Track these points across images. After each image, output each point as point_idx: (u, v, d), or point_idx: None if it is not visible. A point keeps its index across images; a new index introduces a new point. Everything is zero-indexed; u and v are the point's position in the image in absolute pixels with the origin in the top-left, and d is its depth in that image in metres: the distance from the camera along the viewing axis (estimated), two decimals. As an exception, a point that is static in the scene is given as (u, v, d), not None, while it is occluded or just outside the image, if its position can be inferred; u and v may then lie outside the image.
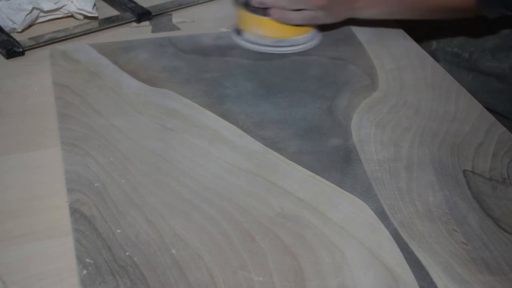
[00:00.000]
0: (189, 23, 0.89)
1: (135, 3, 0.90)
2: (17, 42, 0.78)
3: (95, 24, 0.85)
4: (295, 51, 0.79)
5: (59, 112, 0.65)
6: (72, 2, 0.85)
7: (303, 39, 0.80)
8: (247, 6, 0.78)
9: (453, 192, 0.57)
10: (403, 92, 0.72)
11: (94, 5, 0.86)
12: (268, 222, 0.52)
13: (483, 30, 0.87)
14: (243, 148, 0.61)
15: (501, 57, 0.86)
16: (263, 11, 0.77)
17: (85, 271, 0.47)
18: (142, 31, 0.86)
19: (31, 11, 0.82)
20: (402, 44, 0.83)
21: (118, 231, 0.51)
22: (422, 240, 0.51)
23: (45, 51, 0.78)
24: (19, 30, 0.83)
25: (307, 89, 0.72)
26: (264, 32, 0.79)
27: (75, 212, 0.52)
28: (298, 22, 0.78)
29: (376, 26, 0.86)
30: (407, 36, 0.85)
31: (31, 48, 0.79)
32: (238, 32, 0.81)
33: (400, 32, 0.86)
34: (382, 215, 0.54)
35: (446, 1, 0.79)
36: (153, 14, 0.89)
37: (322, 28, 0.83)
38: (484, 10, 0.76)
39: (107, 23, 0.86)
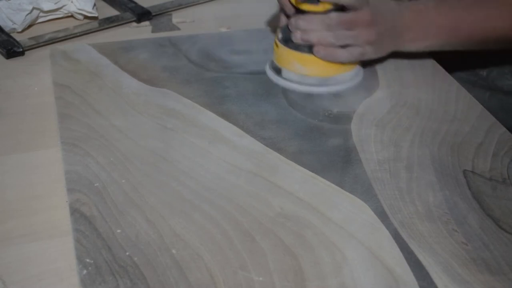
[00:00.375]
0: (189, 23, 0.89)
1: (135, 3, 0.90)
2: (17, 42, 0.78)
3: (95, 24, 0.85)
4: (340, 90, 0.71)
5: (59, 112, 0.65)
6: (72, 2, 0.85)
7: (349, 76, 0.73)
8: (288, 42, 0.71)
9: (453, 192, 0.57)
10: (403, 92, 0.72)
11: (94, 5, 0.86)
12: (268, 222, 0.52)
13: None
14: (243, 148, 0.61)
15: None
16: (307, 48, 0.70)
17: (85, 271, 0.47)
18: (142, 31, 0.86)
19: (31, 11, 0.82)
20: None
21: (118, 231, 0.51)
22: (422, 240, 0.51)
23: (45, 51, 0.78)
24: (19, 30, 0.83)
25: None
26: (308, 71, 0.71)
27: (75, 212, 0.52)
28: (346, 60, 0.71)
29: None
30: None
31: (31, 48, 0.79)
32: (277, 70, 0.73)
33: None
34: (382, 215, 0.54)
35: (507, 30, 0.71)
36: (153, 14, 0.89)
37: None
38: None
39: (107, 23, 0.86)
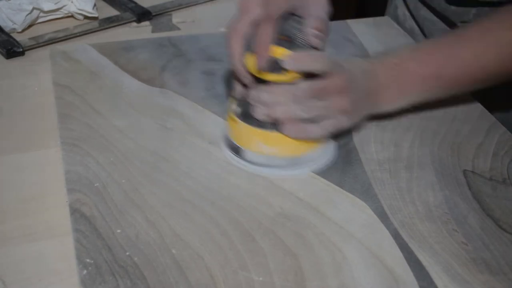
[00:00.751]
0: (189, 23, 0.89)
1: (135, 3, 0.90)
2: (17, 42, 0.78)
3: (95, 24, 0.85)
4: (313, 170, 0.59)
5: (59, 112, 0.65)
6: (72, 2, 0.85)
7: (321, 152, 0.61)
8: (249, 118, 0.58)
9: (453, 192, 0.57)
10: (403, 92, 0.72)
11: (94, 5, 0.86)
12: (268, 222, 0.52)
13: None
14: (243, 148, 0.61)
15: None
16: (272, 124, 0.58)
17: (85, 271, 0.47)
18: (142, 31, 0.86)
19: (31, 11, 0.82)
20: (403, 44, 0.83)
21: (118, 231, 0.51)
22: (422, 240, 0.51)
23: (45, 51, 0.78)
24: (19, 30, 0.83)
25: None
26: (274, 151, 0.59)
27: (75, 212, 0.52)
28: (319, 136, 0.59)
29: (378, 26, 0.86)
30: (408, 36, 0.85)
31: (31, 48, 0.79)
32: (235, 150, 0.60)
33: (401, 32, 0.86)
34: (382, 215, 0.54)
35: (500, 67, 0.63)
36: (153, 14, 0.89)
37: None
38: None
39: (107, 23, 0.86)
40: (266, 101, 0.57)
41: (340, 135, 0.63)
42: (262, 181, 0.57)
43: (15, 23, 0.82)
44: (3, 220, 0.53)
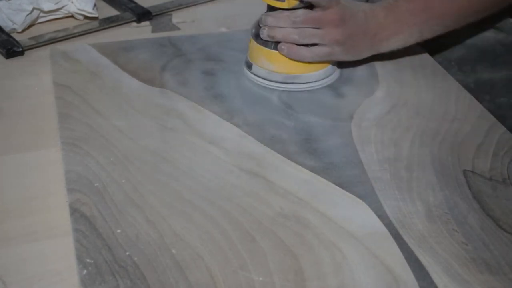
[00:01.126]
0: (189, 23, 0.89)
1: (135, 3, 0.90)
2: (16, 42, 0.78)
3: (95, 24, 0.85)
4: (307, 89, 0.71)
5: (59, 112, 0.65)
6: (72, 2, 0.85)
7: (317, 76, 0.71)
8: (258, 38, 0.71)
9: (453, 192, 0.57)
10: (403, 92, 0.72)
11: (95, 5, 0.86)
12: (268, 222, 0.52)
13: (450, 39, 0.81)
14: (243, 148, 0.61)
15: (466, 70, 0.82)
16: (273, 44, 0.69)
17: (85, 271, 0.47)
18: (142, 31, 0.86)
19: (32, 11, 0.82)
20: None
21: (118, 231, 0.51)
22: (422, 240, 0.51)
23: (45, 51, 0.78)
24: (19, 30, 0.82)
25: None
26: (274, 67, 0.70)
27: (75, 212, 0.52)
28: (311, 59, 0.69)
29: None
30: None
31: (31, 48, 0.79)
32: (248, 65, 0.73)
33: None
34: (382, 215, 0.54)
35: None
36: (153, 14, 0.89)
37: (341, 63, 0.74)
38: None
39: (107, 23, 0.86)
40: (269, 24, 0.68)
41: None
42: (262, 181, 0.57)
43: (15, 23, 0.82)
44: (3, 220, 0.53)
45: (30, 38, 0.80)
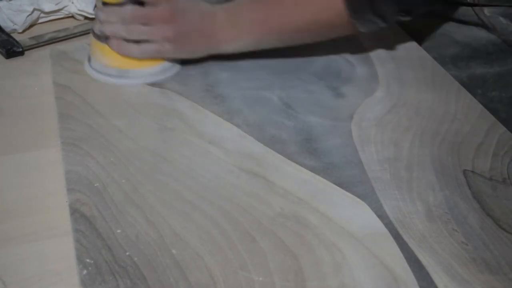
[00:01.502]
0: (189, 23, 0.89)
1: (135, 3, 0.90)
2: (16, 42, 0.78)
3: (95, 24, 0.85)
4: (140, 83, 0.71)
5: (59, 112, 0.65)
6: (73, 3, 0.85)
7: (151, 71, 0.71)
8: (94, 32, 0.72)
9: (453, 192, 0.57)
10: (403, 92, 0.72)
11: (95, 6, 0.86)
12: (268, 222, 0.52)
13: (444, 38, 0.83)
14: (243, 148, 0.61)
15: (461, 66, 0.84)
16: (105, 39, 0.70)
17: (85, 271, 0.47)
18: (142, 31, 0.86)
19: (32, 12, 0.82)
20: (402, 44, 0.83)
21: (118, 231, 0.51)
22: (422, 240, 0.51)
23: (45, 51, 0.78)
24: (20, 31, 0.82)
25: (307, 88, 0.72)
26: (107, 62, 0.71)
27: (75, 212, 0.52)
28: (139, 56, 0.70)
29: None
30: (408, 36, 0.85)
31: (31, 48, 0.79)
32: (89, 59, 0.73)
33: (401, 32, 0.86)
34: (382, 215, 0.54)
35: (316, 15, 0.69)
36: (153, 14, 0.89)
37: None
38: (357, 21, 0.68)
39: (107, 23, 0.86)
40: (100, 19, 0.69)
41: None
42: (262, 181, 0.57)
43: (15, 24, 0.82)
44: (3, 220, 0.53)
45: (30, 38, 0.80)
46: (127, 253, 0.49)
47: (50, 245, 0.50)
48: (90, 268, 0.47)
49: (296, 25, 0.70)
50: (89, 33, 0.79)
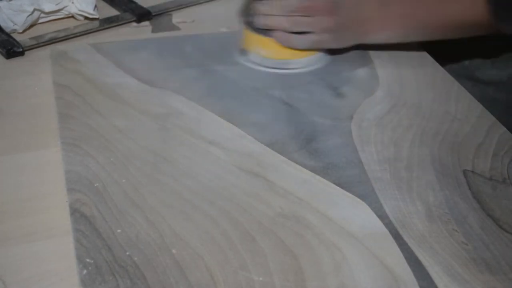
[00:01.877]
0: (189, 23, 0.89)
1: (135, 3, 0.90)
2: (17, 42, 0.78)
3: (95, 24, 0.85)
4: (299, 72, 0.74)
5: (59, 112, 0.65)
6: (73, 3, 0.85)
7: (308, 61, 0.75)
8: (251, 25, 0.74)
9: (453, 192, 0.57)
10: (403, 92, 0.72)
11: (95, 6, 0.86)
12: (268, 222, 0.52)
13: (484, 37, 0.83)
14: (243, 148, 0.61)
15: (501, 65, 0.84)
16: (266, 31, 0.73)
17: (85, 271, 0.47)
18: (142, 31, 0.86)
19: (32, 12, 0.82)
20: (403, 44, 0.83)
21: (118, 231, 0.51)
22: (422, 240, 0.51)
23: (45, 51, 0.78)
24: (20, 31, 0.82)
25: (308, 88, 0.72)
26: (267, 54, 0.74)
27: (75, 212, 0.52)
28: (301, 47, 0.73)
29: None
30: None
31: (31, 48, 0.79)
32: (243, 52, 0.76)
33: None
34: (382, 215, 0.54)
35: (461, 14, 0.70)
36: (153, 14, 0.89)
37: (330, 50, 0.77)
38: (504, 22, 0.68)
39: (107, 23, 0.86)
40: (263, 12, 0.71)
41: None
42: (262, 181, 0.57)
43: (16, 24, 0.82)
44: (3, 220, 0.53)
45: (30, 38, 0.80)
46: (127, 253, 0.49)
47: (50, 245, 0.50)
48: (90, 268, 0.47)
49: (441, 22, 0.71)
50: (89, 33, 0.80)
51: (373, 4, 0.72)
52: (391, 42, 0.75)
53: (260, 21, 0.72)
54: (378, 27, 0.72)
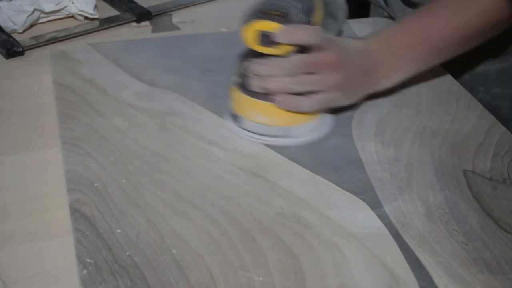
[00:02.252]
0: (189, 23, 0.89)
1: (135, 3, 0.90)
2: (17, 42, 0.78)
3: (95, 24, 0.85)
4: (307, 141, 0.63)
5: (59, 112, 0.65)
6: (73, 3, 0.85)
7: (316, 123, 0.63)
8: (246, 88, 0.62)
9: (453, 192, 0.57)
10: (403, 92, 0.72)
11: (95, 6, 0.86)
12: (268, 222, 0.52)
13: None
14: (243, 148, 0.61)
15: (462, 63, 0.79)
16: (265, 96, 0.61)
17: (85, 271, 0.47)
18: (142, 31, 0.86)
19: (32, 12, 0.82)
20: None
21: (118, 231, 0.51)
22: (422, 240, 0.51)
23: (45, 51, 0.78)
24: (20, 31, 0.83)
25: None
26: (269, 121, 0.62)
27: (75, 212, 0.52)
28: (310, 109, 0.61)
29: (377, 26, 0.86)
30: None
31: (31, 48, 0.79)
32: (235, 118, 0.64)
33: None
34: (382, 215, 0.54)
35: (479, 19, 0.65)
36: (153, 14, 0.89)
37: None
38: None
39: (107, 23, 0.86)
40: (260, 73, 0.60)
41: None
42: (262, 181, 0.57)
43: (16, 24, 0.82)
44: (3, 220, 0.53)
45: (30, 38, 0.80)
46: (127, 253, 0.49)
47: (50, 245, 0.50)
48: (90, 268, 0.47)
49: (459, 34, 0.66)
50: (89, 33, 0.79)
51: (376, 46, 0.64)
52: (408, 79, 0.68)
53: (257, 84, 0.60)
54: (389, 70, 0.65)
